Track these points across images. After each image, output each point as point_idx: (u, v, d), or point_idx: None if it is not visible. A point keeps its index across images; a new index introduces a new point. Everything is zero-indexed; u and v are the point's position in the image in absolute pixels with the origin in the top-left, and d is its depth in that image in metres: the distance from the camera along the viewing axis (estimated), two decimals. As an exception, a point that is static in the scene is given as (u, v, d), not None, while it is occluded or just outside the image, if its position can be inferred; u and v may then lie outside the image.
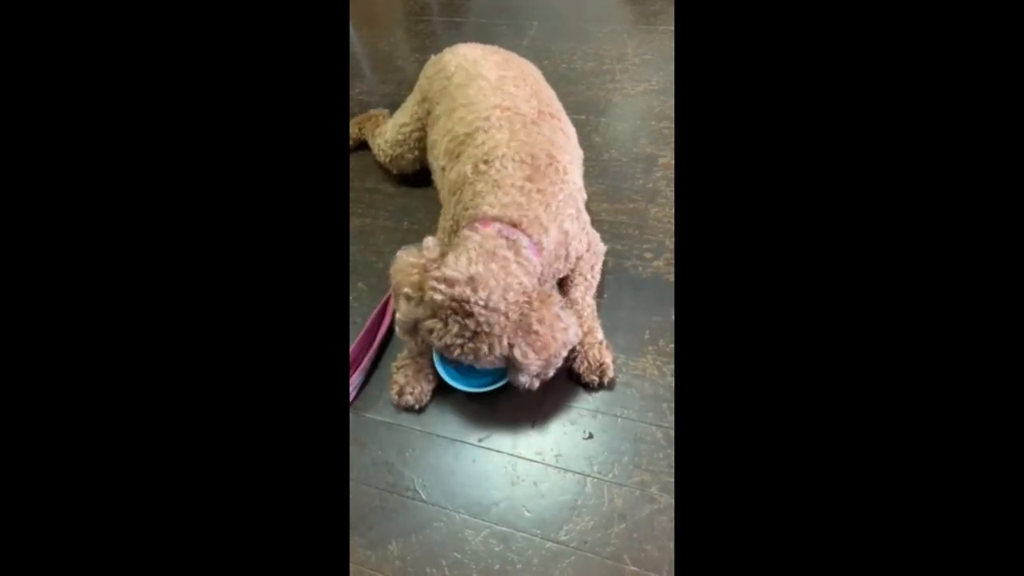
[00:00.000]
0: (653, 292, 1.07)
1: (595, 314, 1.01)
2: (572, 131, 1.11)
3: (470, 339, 0.78)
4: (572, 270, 1.01)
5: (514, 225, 0.86)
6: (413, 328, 0.84)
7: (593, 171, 1.28)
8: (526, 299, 0.80)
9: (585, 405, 0.95)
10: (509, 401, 0.97)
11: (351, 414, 0.99)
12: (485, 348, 0.78)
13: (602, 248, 1.07)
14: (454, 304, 0.77)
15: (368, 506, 0.90)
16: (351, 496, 0.91)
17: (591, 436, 0.92)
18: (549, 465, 0.90)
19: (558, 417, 0.95)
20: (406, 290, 0.81)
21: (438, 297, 0.77)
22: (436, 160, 1.09)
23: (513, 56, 1.19)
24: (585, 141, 1.35)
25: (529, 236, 0.86)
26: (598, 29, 1.64)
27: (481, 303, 0.76)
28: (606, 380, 0.95)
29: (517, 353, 0.79)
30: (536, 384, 0.88)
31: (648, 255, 1.13)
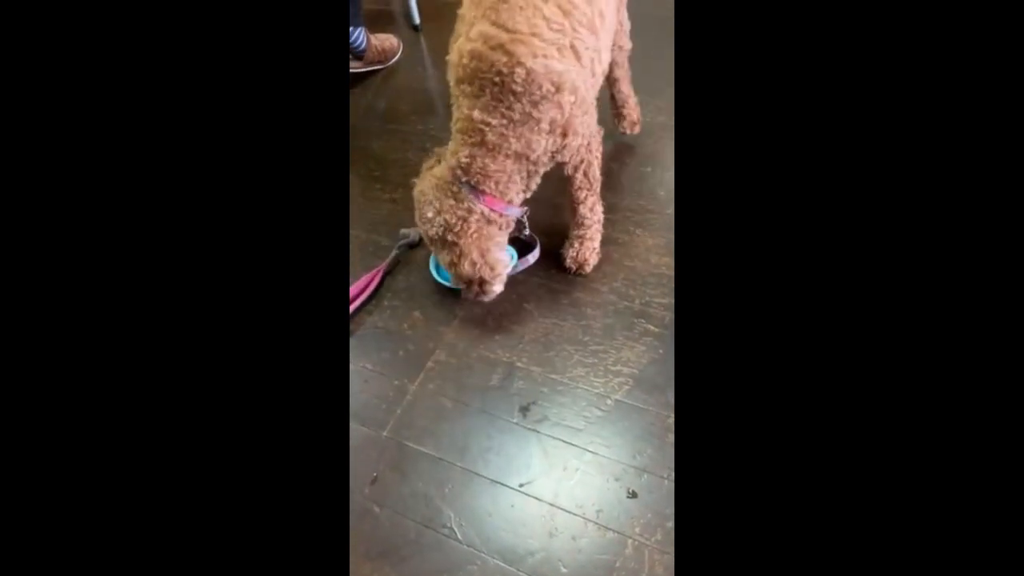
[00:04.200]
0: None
1: (600, 220, 1.20)
2: None
3: (424, 227, 1.06)
4: (573, 183, 1.14)
5: (475, 187, 1.01)
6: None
7: (656, 224, 1.29)
8: (461, 223, 1.01)
9: (631, 462, 0.93)
10: (552, 447, 0.96)
11: (394, 440, 1.00)
12: (428, 241, 1.08)
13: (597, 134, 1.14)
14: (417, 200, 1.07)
15: (403, 538, 0.89)
16: (387, 525, 0.90)
17: (635, 495, 0.90)
18: (589, 520, 0.88)
19: (602, 470, 0.93)
20: (415, 180, 1.09)
21: (414, 192, 1.08)
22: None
23: None
24: (650, 194, 1.36)
25: (480, 190, 1.01)
26: (670, 87, 1.67)
27: (422, 210, 1.05)
28: (579, 273, 1.20)
29: (440, 258, 1.07)
30: (467, 296, 1.10)
31: (706, 315, 1.11)
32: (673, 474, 0.91)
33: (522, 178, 1.03)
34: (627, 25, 1.30)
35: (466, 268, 1.03)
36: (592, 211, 1.18)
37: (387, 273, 1.26)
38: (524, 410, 1.01)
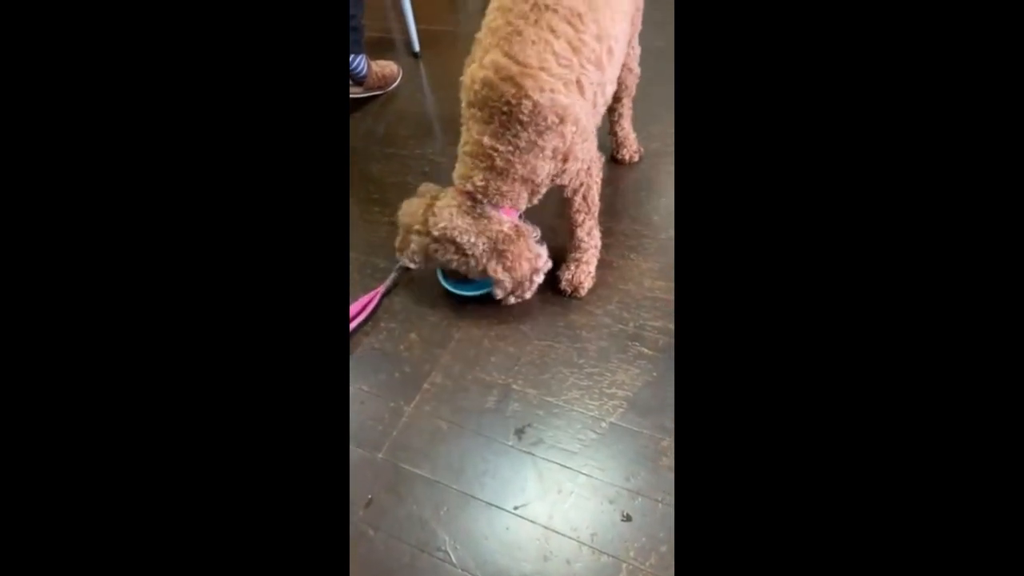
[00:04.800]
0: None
1: (598, 245, 1.22)
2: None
3: (461, 258, 1.08)
4: (571, 206, 1.18)
5: (495, 204, 1.07)
6: (425, 254, 1.12)
7: (651, 248, 1.30)
8: (502, 234, 1.06)
9: (625, 485, 0.93)
10: (547, 470, 0.96)
11: (390, 462, 1.00)
12: (472, 263, 1.08)
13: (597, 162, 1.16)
14: (446, 237, 1.07)
15: (398, 561, 0.88)
16: (382, 548, 0.90)
17: (629, 518, 0.90)
18: (584, 544, 0.88)
19: (596, 493, 0.93)
20: (416, 227, 1.10)
21: (436, 232, 1.07)
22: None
23: None
24: (645, 219, 1.38)
25: (498, 206, 1.07)
26: (667, 114, 1.70)
27: (460, 240, 1.06)
28: (574, 296, 1.21)
29: (490, 269, 1.08)
30: (511, 300, 1.15)
31: (701, 338, 1.12)
32: (667, 497, 0.91)
33: (527, 196, 1.09)
34: (638, 50, 1.35)
35: (525, 266, 1.10)
36: (589, 235, 1.20)
37: (385, 295, 1.27)
38: (519, 432, 1.01)
